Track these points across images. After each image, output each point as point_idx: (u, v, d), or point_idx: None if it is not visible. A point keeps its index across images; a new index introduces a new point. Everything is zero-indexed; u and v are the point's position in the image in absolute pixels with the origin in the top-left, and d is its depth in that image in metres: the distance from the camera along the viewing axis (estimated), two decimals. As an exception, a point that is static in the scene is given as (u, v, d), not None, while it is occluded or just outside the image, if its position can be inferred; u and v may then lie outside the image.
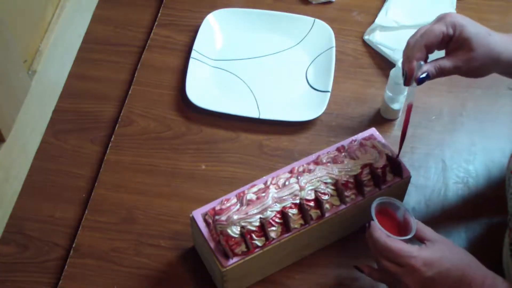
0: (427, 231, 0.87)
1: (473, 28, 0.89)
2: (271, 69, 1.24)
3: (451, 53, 0.90)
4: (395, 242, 0.85)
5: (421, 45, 0.89)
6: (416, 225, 0.87)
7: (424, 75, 0.89)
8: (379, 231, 0.86)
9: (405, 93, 1.13)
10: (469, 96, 1.20)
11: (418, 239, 0.87)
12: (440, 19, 0.90)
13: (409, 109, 0.94)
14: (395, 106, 1.14)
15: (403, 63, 0.92)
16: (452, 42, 0.90)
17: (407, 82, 0.91)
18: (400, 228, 0.90)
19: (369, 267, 0.90)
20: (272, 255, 0.94)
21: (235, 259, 0.90)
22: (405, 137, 0.97)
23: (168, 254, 1.02)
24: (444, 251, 0.84)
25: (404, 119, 0.95)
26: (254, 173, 1.08)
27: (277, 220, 0.91)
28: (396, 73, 1.09)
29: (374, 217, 0.88)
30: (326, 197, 0.94)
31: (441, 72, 0.90)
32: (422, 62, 0.89)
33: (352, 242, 1.02)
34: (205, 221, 0.93)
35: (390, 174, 0.98)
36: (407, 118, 0.95)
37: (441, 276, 0.82)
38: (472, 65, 0.89)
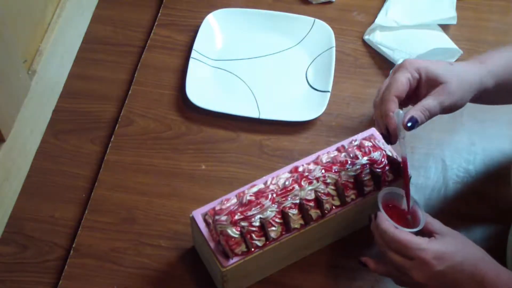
0: (436, 224, 0.84)
1: (435, 64, 0.86)
2: (271, 69, 1.24)
3: (427, 94, 0.86)
4: (404, 234, 0.81)
5: (390, 97, 0.84)
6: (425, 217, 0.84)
7: (410, 122, 0.82)
8: (387, 222, 0.83)
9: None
10: (469, 96, 1.20)
11: (427, 233, 0.84)
12: (400, 67, 0.86)
13: (404, 163, 0.88)
14: (395, 106, 1.14)
15: (376, 125, 0.86)
16: (422, 85, 0.86)
17: (392, 139, 0.84)
18: (408, 220, 0.86)
19: (373, 261, 0.88)
20: (272, 255, 0.94)
21: (235, 259, 0.90)
22: (410, 193, 0.90)
23: (168, 254, 1.02)
24: (455, 244, 0.81)
25: (404, 175, 0.90)
26: (254, 173, 1.08)
27: (277, 220, 0.91)
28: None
29: (381, 208, 0.84)
30: (326, 197, 0.94)
31: (429, 114, 0.84)
32: (400, 111, 0.83)
33: (352, 242, 1.02)
34: (205, 221, 0.93)
35: (390, 174, 0.97)
36: (406, 173, 0.90)
37: (453, 270, 0.79)
38: (453, 97, 0.85)
